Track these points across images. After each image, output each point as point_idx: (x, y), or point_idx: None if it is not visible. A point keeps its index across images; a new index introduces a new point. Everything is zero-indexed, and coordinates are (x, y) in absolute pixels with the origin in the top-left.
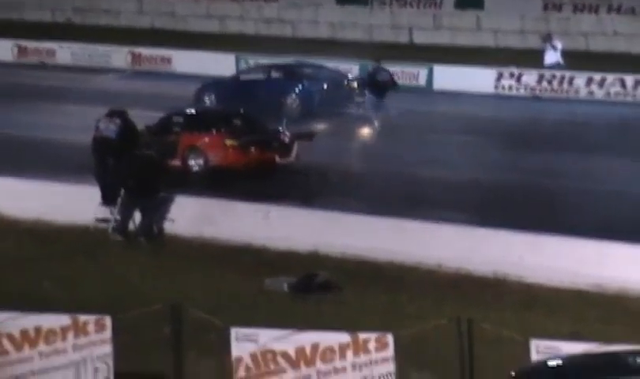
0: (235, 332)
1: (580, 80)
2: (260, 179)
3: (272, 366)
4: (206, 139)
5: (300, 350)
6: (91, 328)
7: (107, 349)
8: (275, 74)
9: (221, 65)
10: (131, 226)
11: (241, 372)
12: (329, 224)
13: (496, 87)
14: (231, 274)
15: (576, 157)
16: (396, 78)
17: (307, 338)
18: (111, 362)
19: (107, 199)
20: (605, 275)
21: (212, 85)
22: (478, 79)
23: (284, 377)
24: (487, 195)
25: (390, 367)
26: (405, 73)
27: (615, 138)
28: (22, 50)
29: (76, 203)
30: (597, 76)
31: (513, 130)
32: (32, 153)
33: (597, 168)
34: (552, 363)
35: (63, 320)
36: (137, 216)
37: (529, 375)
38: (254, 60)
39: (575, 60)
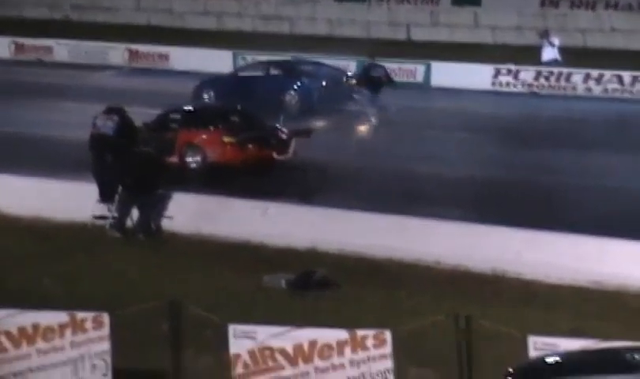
0: (233, 328)
1: (577, 76)
2: (258, 176)
3: (270, 363)
4: (204, 136)
5: (298, 347)
6: (89, 325)
7: (105, 346)
8: (274, 71)
9: (219, 62)
10: (129, 223)
11: (239, 369)
12: (327, 221)
13: (494, 83)
14: (230, 271)
15: (574, 153)
16: (394, 75)
17: (305, 335)
18: (108, 359)
19: (105, 196)
20: (604, 272)
21: (210, 82)
22: (476, 75)
23: (282, 374)
24: (485, 191)
25: (388, 364)
26: (403, 70)
27: (613, 134)
28: (19, 47)
29: (74, 200)
30: (595, 73)
31: (511, 127)
32: (30, 150)
33: (595, 164)
34: (550, 360)
35: (61, 317)
36: (135, 213)
37: (527, 371)
38: (251, 57)
39: (573, 56)
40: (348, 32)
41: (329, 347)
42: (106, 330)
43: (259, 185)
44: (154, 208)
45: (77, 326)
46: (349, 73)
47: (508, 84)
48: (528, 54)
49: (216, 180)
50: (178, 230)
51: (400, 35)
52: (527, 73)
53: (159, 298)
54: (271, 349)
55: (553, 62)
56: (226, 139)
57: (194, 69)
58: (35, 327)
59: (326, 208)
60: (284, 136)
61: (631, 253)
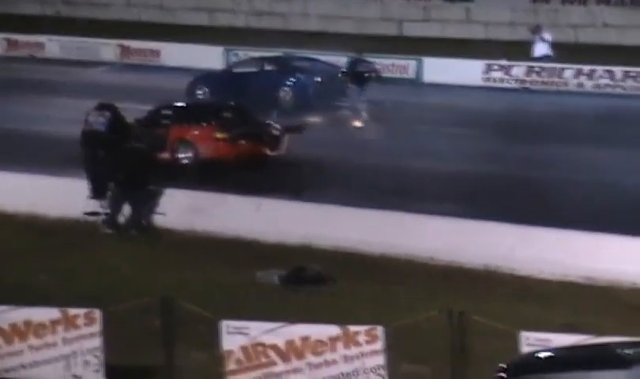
0: (225, 324)
1: (569, 71)
2: (251, 172)
3: (262, 359)
4: (196, 132)
5: (291, 343)
6: (80, 321)
7: (97, 342)
8: (268, 67)
9: (211, 57)
10: (121, 219)
11: (231, 365)
12: (320, 217)
13: (486, 79)
14: (223, 267)
15: (566, 149)
16: (386, 71)
17: (298, 331)
18: (100, 355)
19: (97, 192)
20: (597, 267)
21: (204, 78)
22: (468, 71)
23: (274, 370)
24: (478, 187)
25: (381, 359)
26: (395, 66)
27: (605, 130)
28: (12, 44)
29: (67, 196)
30: (586, 68)
31: (504, 122)
32: (22, 146)
33: (587, 160)
34: (542, 355)
35: (53, 313)
36: (127, 209)
37: (519, 367)
38: (243, 53)
39: (564, 52)
40: (341, 28)
41: (321, 343)
42: (98, 326)
43: (252, 180)
44: (146, 204)
45: (69, 322)
46: (344, 69)
47: (500, 79)
48: (520, 50)
49: (209, 176)
50: (171, 226)
51: (393, 31)
52: (519, 69)
53: (152, 293)
54: (263, 345)
55: (545, 58)
56: (218, 135)
57: (186, 65)
58: (27, 323)
59: (320, 204)
60: (276, 132)
61: (624, 249)
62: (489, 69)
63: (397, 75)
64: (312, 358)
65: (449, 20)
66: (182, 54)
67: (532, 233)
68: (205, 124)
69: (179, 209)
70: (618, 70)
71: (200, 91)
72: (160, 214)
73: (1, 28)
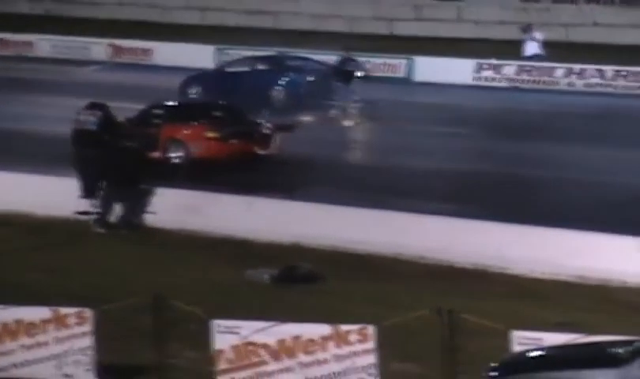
0: (216, 324)
1: (560, 70)
2: (242, 171)
3: (254, 358)
4: (187, 131)
5: (282, 343)
6: (71, 320)
7: (88, 341)
8: (261, 66)
9: (202, 56)
10: (113, 218)
11: (223, 364)
12: (311, 215)
13: (477, 78)
14: (214, 265)
15: (556, 148)
16: (378, 70)
17: (289, 330)
18: (92, 354)
19: (88, 191)
20: (588, 266)
21: (197, 77)
22: (459, 70)
23: (265, 369)
24: (468, 186)
25: (372, 359)
26: (386, 65)
27: (596, 129)
28: (3, 43)
29: (58, 195)
30: (577, 67)
31: (494, 121)
32: (12, 145)
33: (578, 159)
34: (532, 354)
35: (44, 312)
36: (119, 208)
37: (510, 365)
38: (234, 52)
39: (555, 51)
40: (332, 27)
41: (312, 342)
42: (89, 325)
43: (243, 180)
44: (137, 203)
45: (60, 322)
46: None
47: (491, 78)
48: (511, 49)
49: (200, 175)
50: (162, 225)
51: (384, 30)
52: (510, 68)
53: (143, 292)
54: (255, 344)
55: (535, 57)
56: (209, 134)
57: (177, 64)
58: (19, 322)
59: (311, 203)
60: (267, 131)
61: (615, 247)
62: (480, 68)
63: (389, 74)
64: (303, 357)
65: (440, 19)
66: (173, 53)
67: (523, 232)
68: (196, 123)
69: (171, 208)
70: (608, 69)
71: (192, 91)
72: (151, 213)
73: None
